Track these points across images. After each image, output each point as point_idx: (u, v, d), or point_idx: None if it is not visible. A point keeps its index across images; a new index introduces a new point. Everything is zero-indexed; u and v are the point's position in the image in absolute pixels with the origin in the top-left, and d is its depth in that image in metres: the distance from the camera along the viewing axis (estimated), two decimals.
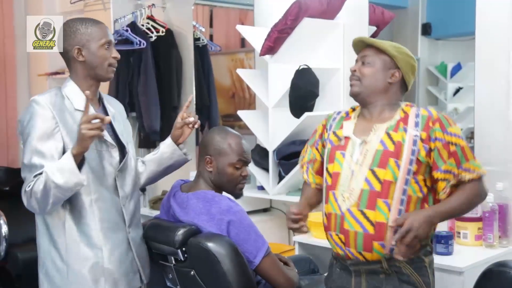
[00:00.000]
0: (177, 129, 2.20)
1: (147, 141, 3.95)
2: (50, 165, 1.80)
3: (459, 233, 2.48)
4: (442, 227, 2.40)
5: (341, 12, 3.14)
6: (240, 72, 3.41)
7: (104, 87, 3.63)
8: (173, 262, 2.08)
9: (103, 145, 1.97)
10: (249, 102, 4.14)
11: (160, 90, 3.77)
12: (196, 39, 3.90)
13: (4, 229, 3.42)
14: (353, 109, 2.00)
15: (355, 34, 3.05)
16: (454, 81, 3.50)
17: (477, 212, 2.47)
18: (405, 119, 1.85)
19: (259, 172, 3.32)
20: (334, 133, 1.96)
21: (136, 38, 3.65)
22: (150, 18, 3.82)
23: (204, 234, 2.02)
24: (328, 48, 3.19)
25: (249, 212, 2.13)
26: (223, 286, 1.95)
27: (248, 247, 2.02)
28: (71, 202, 1.90)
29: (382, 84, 1.89)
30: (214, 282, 1.98)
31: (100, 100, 2.08)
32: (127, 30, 3.68)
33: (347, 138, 1.91)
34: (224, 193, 2.18)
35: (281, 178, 3.20)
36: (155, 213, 2.87)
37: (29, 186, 1.83)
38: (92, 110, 1.88)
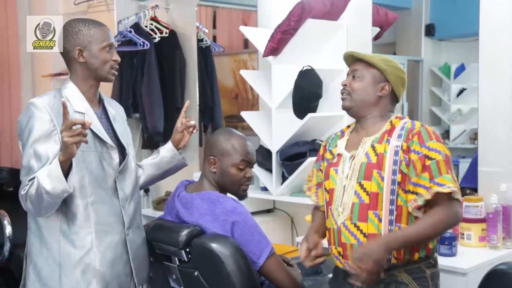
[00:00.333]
0: (178, 133, 2.21)
1: (151, 142, 3.96)
2: (42, 170, 1.80)
3: (462, 234, 2.48)
4: None
5: (344, 13, 3.14)
6: (243, 73, 3.41)
7: (107, 88, 3.65)
8: (177, 262, 2.08)
9: (103, 147, 1.96)
10: (252, 103, 4.15)
11: (164, 91, 3.77)
12: (200, 40, 3.90)
13: (8, 229, 3.43)
14: (349, 126, 2.04)
15: (359, 35, 3.09)
16: (457, 82, 3.50)
17: (481, 213, 2.47)
18: (390, 131, 1.87)
19: (263, 173, 3.32)
20: (330, 151, 2.01)
21: (139, 39, 3.66)
22: (154, 19, 3.83)
23: (208, 235, 2.02)
24: (332, 49, 3.19)
25: (252, 213, 2.14)
26: (226, 287, 1.95)
27: (252, 248, 2.02)
28: (66, 205, 1.90)
29: (373, 97, 1.92)
30: (217, 283, 1.98)
31: (101, 101, 2.08)
32: (130, 31, 3.69)
33: (339, 155, 1.95)
34: (228, 194, 2.18)
35: (284, 179, 3.20)
36: (159, 213, 2.87)
37: (24, 190, 1.83)
38: (78, 117, 1.88)
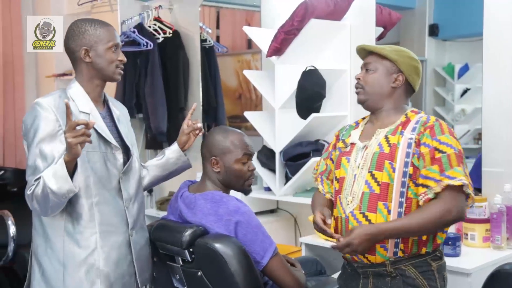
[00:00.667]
0: (184, 135, 2.22)
1: (154, 142, 3.96)
2: (48, 170, 1.81)
3: (466, 234, 2.47)
4: (450, 228, 2.39)
5: (348, 13, 3.14)
6: (247, 73, 3.41)
7: (111, 88, 3.65)
8: (181, 262, 2.08)
9: (107, 147, 1.97)
10: (256, 103, 4.15)
11: (167, 91, 3.77)
12: (203, 41, 3.90)
13: (12, 230, 3.44)
14: (363, 118, 2.04)
15: (362, 35, 3.08)
16: (461, 82, 3.49)
17: (484, 213, 2.46)
18: (405, 124, 1.88)
19: (266, 173, 3.32)
20: (343, 141, 2.01)
21: (143, 40, 3.66)
22: (157, 19, 3.84)
23: (212, 235, 2.02)
24: (335, 49, 3.19)
25: (256, 213, 2.14)
26: (230, 287, 1.95)
27: (255, 248, 2.02)
28: (71, 205, 1.90)
29: (386, 89, 1.92)
30: (221, 283, 1.98)
31: (105, 102, 2.08)
32: (134, 32, 3.70)
33: (352, 144, 1.95)
34: (231, 193, 2.18)
35: (287, 179, 3.20)
36: (162, 214, 2.87)
37: (30, 190, 1.83)
38: (82, 118, 1.88)
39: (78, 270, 1.91)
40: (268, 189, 3.37)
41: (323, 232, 1.88)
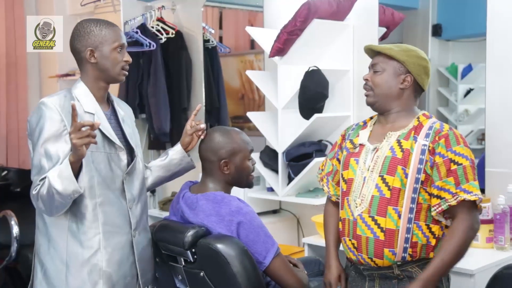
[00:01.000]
0: (187, 136, 2.21)
1: (157, 143, 3.96)
2: (53, 170, 1.81)
3: None
4: None
5: (350, 14, 3.13)
6: (250, 73, 3.41)
7: (114, 88, 3.65)
8: (183, 263, 2.08)
9: (111, 147, 1.97)
10: (259, 103, 4.15)
11: (170, 92, 3.78)
12: (206, 41, 3.90)
13: (15, 230, 3.44)
14: (371, 118, 2.02)
15: (365, 36, 3.08)
16: (465, 82, 3.49)
17: (488, 214, 2.46)
18: (418, 129, 1.85)
19: (269, 174, 3.32)
20: (351, 141, 1.98)
21: (146, 40, 3.67)
22: (160, 20, 3.84)
23: (214, 236, 2.02)
24: (338, 49, 3.18)
25: (258, 214, 2.13)
26: None
27: (257, 248, 2.01)
28: (75, 205, 1.90)
29: (395, 91, 1.89)
30: (223, 284, 1.98)
31: (110, 102, 2.08)
32: (137, 32, 3.70)
33: (361, 145, 1.92)
34: (233, 193, 2.18)
35: (290, 179, 3.20)
36: (165, 214, 2.87)
37: (35, 190, 1.84)
38: (87, 118, 1.89)
39: (81, 270, 1.91)
40: (270, 190, 3.37)
41: None
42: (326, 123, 3.16)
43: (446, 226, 1.84)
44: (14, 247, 3.44)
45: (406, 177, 1.79)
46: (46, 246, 1.95)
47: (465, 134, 3.37)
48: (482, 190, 2.60)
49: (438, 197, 1.78)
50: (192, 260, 2.03)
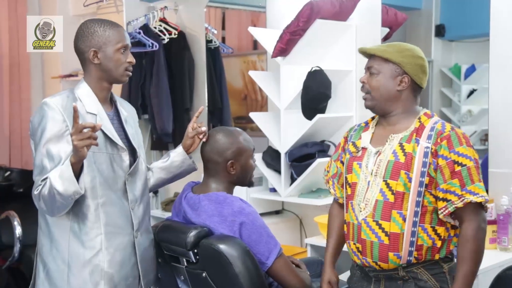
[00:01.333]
0: (188, 138, 2.20)
1: (160, 143, 3.96)
2: (54, 171, 1.81)
3: None
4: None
5: (353, 14, 3.13)
6: (252, 74, 3.41)
7: (117, 89, 3.65)
8: (185, 263, 2.08)
9: (114, 148, 1.96)
10: (261, 104, 4.15)
11: (173, 92, 3.78)
12: (208, 41, 3.90)
13: (18, 230, 3.45)
14: (373, 118, 2.00)
15: (368, 36, 3.08)
16: (468, 83, 3.48)
17: (491, 215, 2.45)
18: (419, 130, 1.83)
19: (271, 174, 3.31)
20: (353, 143, 1.96)
21: (148, 41, 3.67)
22: (163, 20, 3.84)
23: (216, 236, 2.01)
24: (341, 49, 3.18)
25: (261, 214, 2.13)
26: None
27: (260, 249, 2.01)
28: (76, 205, 1.90)
29: (393, 93, 1.86)
30: (226, 284, 1.98)
31: (113, 103, 2.08)
32: (139, 33, 3.70)
33: (364, 148, 1.91)
34: (235, 193, 2.18)
35: (293, 180, 3.20)
36: (167, 214, 2.87)
37: (37, 190, 1.83)
38: (89, 119, 1.89)
39: (83, 271, 1.91)
40: (273, 190, 3.37)
41: None
42: (329, 123, 3.16)
43: (452, 227, 1.83)
44: (17, 247, 3.45)
45: (410, 181, 1.77)
46: (48, 246, 1.95)
47: (468, 134, 3.34)
48: (486, 191, 2.60)
49: (444, 199, 1.76)
50: (194, 261, 2.03)
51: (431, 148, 1.78)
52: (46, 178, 1.81)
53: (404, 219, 1.78)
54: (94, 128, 1.73)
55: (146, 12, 3.91)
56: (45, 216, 1.94)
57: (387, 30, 3.16)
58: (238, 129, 2.21)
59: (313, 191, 3.22)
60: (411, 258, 1.80)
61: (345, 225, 1.94)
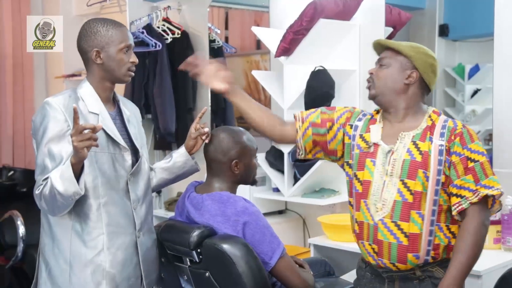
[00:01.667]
0: (191, 139, 2.19)
1: (163, 143, 3.96)
2: (55, 171, 1.81)
3: None
4: None
5: (357, 13, 3.13)
6: (256, 73, 3.40)
7: (119, 89, 3.65)
8: (188, 263, 2.08)
9: (116, 148, 1.96)
10: (264, 103, 4.13)
11: (176, 92, 3.77)
12: (212, 41, 3.90)
13: (22, 230, 3.45)
14: (377, 111, 1.97)
15: (371, 35, 3.06)
16: (471, 83, 3.47)
17: (495, 215, 2.43)
18: (431, 128, 1.82)
19: (274, 174, 3.31)
20: (361, 136, 1.92)
21: (151, 40, 3.67)
22: (166, 20, 3.84)
23: (219, 236, 2.01)
24: (344, 49, 3.17)
25: (264, 214, 2.13)
26: None
27: (263, 248, 2.01)
28: (79, 205, 1.89)
29: (399, 85, 1.85)
30: (229, 284, 1.97)
31: (116, 102, 2.08)
32: (142, 32, 3.70)
33: (376, 144, 1.87)
34: (238, 193, 2.18)
35: (296, 180, 3.19)
36: (170, 214, 2.87)
37: (38, 189, 1.83)
38: (91, 118, 1.89)
39: (84, 270, 1.91)
40: (276, 190, 3.36)
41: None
42: None
43: None
44: (20, 247, 3.45)
45: (428, 180, 1.77)
46: (51, 245, 1.95)
47: None
48: None
49: (459, 195, 1.76)
50: (197, 260, 2.03)
51: (445, 146, 1.78)
52: (47, 177, 1.81)
53: (423, 219, 1.77)
54: (94, 129, 1.72)
55: (149, 11, 3.91)
56: (47, 216, 1.94)
57: (390, 29, 3.16)
58: (241, 128, 2.21)
59: (316, 191, 3.22)
60: (428, 258, 1.79)
61: (356, 224, 1.90)
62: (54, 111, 1.88)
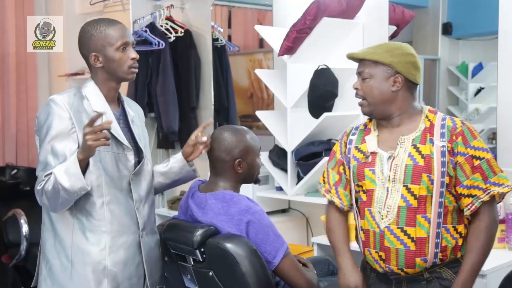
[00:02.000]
0: (188, 146, 2.16)
1: (166, 142, 3.96)
2: (59, 166, 1.81)
3: None
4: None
5: (360, 12, 3.12)
6: (259, 72, 3.40)
7: (123, 88, 3.64)
8: (192, 262, 2.08)
9: (119, 148, 1.96)
10: (267, 102, 4.14)
11: (179, 91, 3.77)
12: (215, 40, 3.90)
13: (25, 228, 3.46)
14: (370, 120, 1.94)
15: (375, 34, 3.06)
16: (475, 81, 3.46)
17: (500, 214, 2.43)
18: (430, 129, 1.79)
19: (278, 173, 3.31)
20: (357, 148, 1.90)
21: (155, 39, 3.67)
22: (169, 18, 3.84)
23: (223, 235, 2.01)
24: (348, 48, 3.14)
25: (267, 213, 2.12)
26: (242, 287, 1.94)
27: (267, 248, 2.01)
28: (82, 203, 1.90)
29: (388, 95, 1.81)
30: (232, 283, 1.97)
31: (120, 102, 2.07)
32: (146, 31, 3.70)
33: (373, 153, 1.85)
34: (241, 192, 2.17)
35: (299, 178, 3.19)
36: (174, 213, 2.87)
37: (40, 185, 1.84)
38: (105, 115, 1.89)
39: (86, 268, 1.91)
40: (279, 189, 3.36)
41: None
42: (336, 122, 3.15)
43: (470, 222, 1.81)
44: (23, 245, 3.45)
45: (432, 183, 1.75)
46: (52, 242, 1.95)
47: None
48: None
49: (470, 196, 1.75)
50: (201, 260, 2.03)
51: (447, 147, 1.76)
52: (50, 173, 1.81)
53: (429, 222, 1.76)
54: (105, 127, 1.75)
55: (153, 10, 3.91)
56: (49, 213, 1.95)
57: (394, 28, 3.15)
58: (245, 127, 2.20)
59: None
60: (436, 260, 1.78)
61: (362, 232, 1.88)
62: (59, 108, 1.88)
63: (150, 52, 3.75)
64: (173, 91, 3.74)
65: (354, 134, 1.95)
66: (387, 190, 1.80)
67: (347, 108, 3.17)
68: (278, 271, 2.03)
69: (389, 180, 1.80)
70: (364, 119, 3.07)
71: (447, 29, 3.38)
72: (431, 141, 1.78)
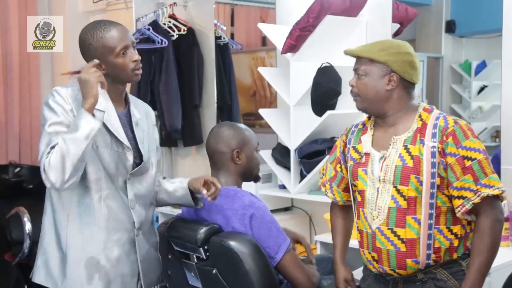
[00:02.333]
0: (197, 182, 2.03)
1: (169, 140, 3.96)
2: (64, 133, 1.80)
3: None
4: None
5: (364, 9, 3.11)
6: (262, 70, 3.40)
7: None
8: (195, 260, 2.08)
9: (119, 146, 1.95)
10: (270, 100, 4.13)
11: (182, 89, 3.77)
12: (218, 38, 3.90)
13: (28, 226, 3.45)
14: (369, 118, 1.94)
15: (378, 32, 3.06)
16: (478, 79, 3.45)
17: (504, 212, 2.43)
18: (422, 130, 1.77)
19: (281, 171, 3.30)
20: (354, 148, 1.92)
21: (157, 37, 3.67)
22: (172, 16, 3.84)
23: (226, 233, 2.01)
24: (351, 45, 3.12)
25: (270, 211, 2.12)
26: (245, 285, 1.94)
27: (269, 243, 2.01)
28: (80, 196, 1.90)
29: (382, 93, 1.80)
30: (236, 281, 1.97)
31: (127, 103, 2.05)
32: (148, 29, 3.70)
33: (367, 154, 1.86)
34: (244, 187, 2.18)
35: (302, 177, 3.19)
36: (177, 211, 2.87)
37: (46, 157, 1.77)
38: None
39: (79, 262, 1.91)
40: (282, 187, 3.36)
41: None
42: (339, 120, 3.14)
43: (468, 223, 1.80)
44: (26, 243, 3.45)
45: (421, 184, 1.74)
46: (49, 233, 1.95)
47: (479, 131, 3.34)
48: None
49: (460, 197, 1.72)
50: (204, 257, 2.03)
51: (438, 147, 1.73)
52: (55, 145, 1.77)
53: (419, 223, 1.75)
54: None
55: (155, 8, 3.91)
56: (52, 201, 1.93)
57: (397, 26, 3.14)
58: (242, 124, 2.25)
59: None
60: (429, 261, 1.77)
61: (358, 233, 1.90)
62: (62, 100, 1.88)
63: (153, 50, 3.75)
64: (176, 89, 3.74)
65: (353, 133, 1.96)
66: (377, 191, 1.80)
67: (350, 106, 3.12)
68: (279, 267, 2.04)
69: (379, 180, 1.80)
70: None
71: (450, 27, 3.37)
72: (421, 142, 1.75)
